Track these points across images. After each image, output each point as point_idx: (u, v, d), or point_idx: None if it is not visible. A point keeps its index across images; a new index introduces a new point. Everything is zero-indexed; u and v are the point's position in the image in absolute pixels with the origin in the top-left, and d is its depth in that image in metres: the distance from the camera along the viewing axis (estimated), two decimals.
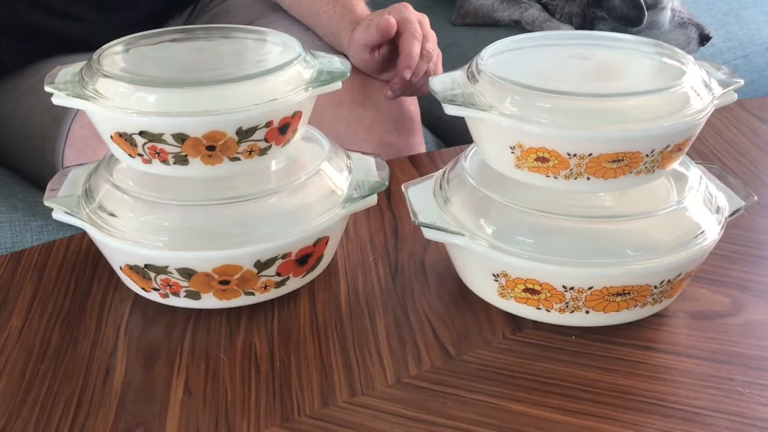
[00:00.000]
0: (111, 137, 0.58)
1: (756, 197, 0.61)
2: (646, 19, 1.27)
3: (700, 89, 0.55)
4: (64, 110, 0.88)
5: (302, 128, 0.62)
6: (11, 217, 0.84)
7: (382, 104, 0.95)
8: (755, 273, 0.66)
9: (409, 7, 0.90)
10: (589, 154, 0.52)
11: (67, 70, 0.61)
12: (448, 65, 0.87)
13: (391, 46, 0.89)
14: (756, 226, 0.72)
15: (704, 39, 1.31)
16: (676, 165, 0.58)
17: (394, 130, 0.96)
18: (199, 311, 0.61)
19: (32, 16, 0.99)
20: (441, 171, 0.64)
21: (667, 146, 0.53)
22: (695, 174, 0.60)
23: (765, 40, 1.49)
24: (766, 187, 0.79)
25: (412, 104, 0.98)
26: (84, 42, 1.02)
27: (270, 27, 1.05)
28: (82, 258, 0.68)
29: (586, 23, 1.34)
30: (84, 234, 0.67)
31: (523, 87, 0.54)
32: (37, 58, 1.01)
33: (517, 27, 1.40)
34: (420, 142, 1.00)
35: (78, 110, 0.78)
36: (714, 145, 0.88)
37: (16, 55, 1.00)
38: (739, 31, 1.47)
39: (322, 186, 0.62)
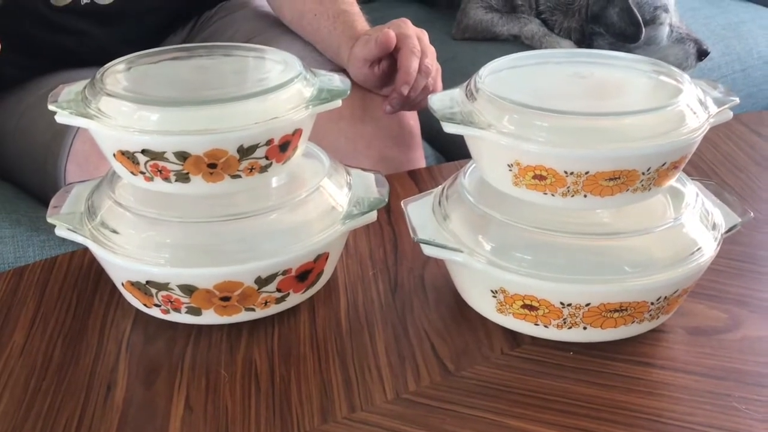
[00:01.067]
0: (113, 155, 0.58)
1: (752, 213, 0.61)
2: (643, 35, 1.28)
3: (695, 108, 0.56)
4: (66, 126, 0.87)
5: (303, 145, 0.62)
6: (14, 232, 0.85)
7: (381, 119, 0.95)
8: (753, 289, 0.66)
9: (408, 23, 0.91)
10: (586, 172, 0.53)
11: (70, 89, 0.62)
12: (448, 79, 0.88)
13: (390, 61, 0.90)
14: (754, 242, 0.73)
15: (702, 54, 1.32)
16: (672, 182, 0.59)
17: (394, 144, 0.97)
18: (200, 327, 0.61)
19: (35, 30, 0.99)
20: (440, 187, 0.65)
21: (663, 164, 0.54)
22: (691, 191, 0.61)
23: (763, 54, 1.50)
24: (764, 202, 0.80)
25: (411, 119, 0.99)
26: (85, 57, 1.03)
27: (270, 43, 1.06)
28: (84, 274, 0.69)
29: (584, 38, 1.35)
30: (86, 250, 0.67)
31: (520, 106, 0.55)
32: (39, 73, 1.02)
33: (517, 41, 1.40)
34: (420, 156, 1.01)
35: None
36: (711, 161, 0.88)
37: (18, 69, 1.01)
38: (737, 46, 1.47)
39: (322, 203, 0.62)
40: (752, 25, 1.53)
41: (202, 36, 1.14)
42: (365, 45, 0.89)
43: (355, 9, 1.00)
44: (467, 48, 1.41)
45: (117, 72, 0.62)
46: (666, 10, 1.30)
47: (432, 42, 0.93)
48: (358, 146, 0.94)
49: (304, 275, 0.61)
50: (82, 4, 0.98)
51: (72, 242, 0.63)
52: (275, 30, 1.08)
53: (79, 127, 0.89)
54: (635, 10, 1.27)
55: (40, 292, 0.66)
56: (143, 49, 1.14)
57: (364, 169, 0.69)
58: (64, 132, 0.90)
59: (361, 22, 0.98)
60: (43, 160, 0.92)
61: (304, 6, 1.01)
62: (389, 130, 0.96)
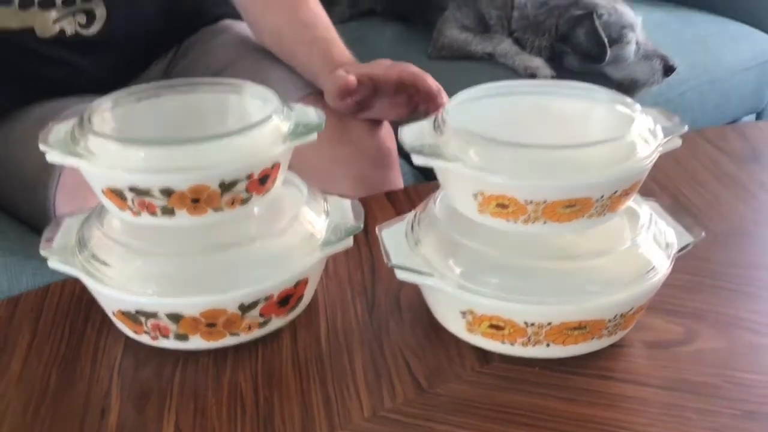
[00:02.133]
0: (102, 191, 0.62)
1: (703, 233, 0.65)
2: (609, 55, 1.32)
3: (646, 137, 0.60)
4: None
5: (281, 177, 0.66)
6: (6, 261, 0.88)
7: (359, 141, 0.99)
8: (708, 302, 0.70)
9: (388, 61, 0.95)
10: (544, 201, 0.57)
11: (59, 128, 0.65)
12: None
13: (367, 93, 0.94)
14: (712, 257, 0.76)
15: (669, 70, 1.37)
16: (630, 203, 0.63)
17: (372, 165, 1.00)
18: (187, 352, 0.65)
19: (22, 62, 1.02)
20: (412, 213, 0.69)
21: (616, 191, 0.58)
22: (646, 211, 0.65)
23: (729, 65, 1.54)
24: (723, 218, 0.84)
25: (388, 140, 1.03)
26: (71, 85, 1.06)
27: (252, 67, 1.10)
28: (75, 302, 0.72)
29: (555, 56, 1.40)
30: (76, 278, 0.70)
31: (483, 139, 0.58)
32: (26, 102, 1.05)
33: (491, 59, 1.45)
34: (397, 175, 1.04)
35: None
36: (675, 177, 0.92)
37: (6, 100, 1.04)
38: (704, 58, 1.52)
39: (301, 231, 0.66)
40: (718, 37, 1.58)
41: (185, 62, 1.17)
42: (334, 82, 0.92)
43: (332, 35, 1.03)
44: (444, 67, 1.44)
45: (103, 111, 0.66)
46: (632, 29, 1.35)
47: (408, 61, 0.97)
48: (337, 167, 0.98)
49: (285, 300, 0.65)
50: (68, 35, 1.01)
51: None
52: (256, 54, 1.12)
53: None
54: (601, 32, 1.32)
55: (34, 321, 0.70)
56: (127, 75, 1.17)
57: (340, 195, 0.72)
58: (53, 163, 0.93)
59: (337, 47, 1.01)
60: (32, 190, 0.95)
61: (281, 33, 1.05)
62: (367, 151, 1.00)
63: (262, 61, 1.10)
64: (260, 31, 1.10)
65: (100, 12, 1.03)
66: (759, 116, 1.69)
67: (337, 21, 1.09)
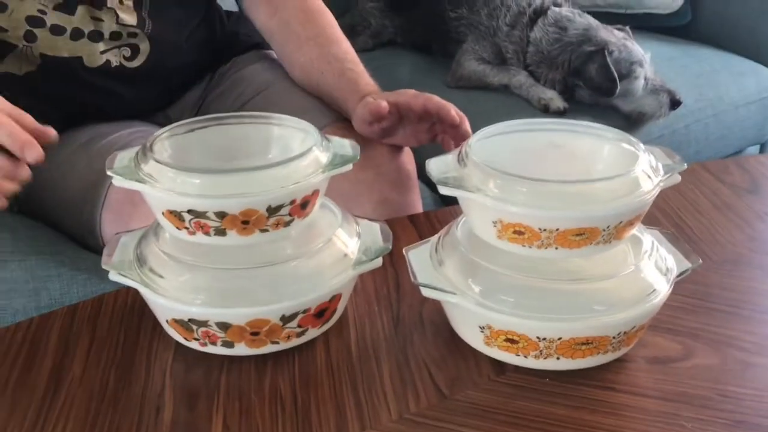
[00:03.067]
0: (162, 213, 0.69)
1: (700, 260, 0.72)
2: (619, 89, 1.40)
3: (649, 173, 0.67)
4: (101, 177, 0.98)
5: (319, 202, 0.73)
6: (59, 271, 0.96)
7: (381, 165, 1.06)
8: (704, 323, 0.77)
9: (412, 91, 1.02)
10: (557, 229, 0.64)
11: (123, 155, 0.72)
12: None
13: (392, 121, 1.01)
14: (708, 281, 0.83)
15: (675, 104, 1.44)
16: (634, 232, 0.70)
17: (393, 188, 1.07)
18: (231, 357, 0.72)
19: (70, 89, 1.10)
20: (436, 236, 0.76)
21: (620, 222, 0.65)
22: (648, 239, 0.72)
23: (733, 99, 1.62)
24: (719, 245, 0.90)
25: (409, 164, 1.10)
26: (112, 111, 1.14)
27: (280, 95, 1.17)
28: (128, 311, 0.79)
29: (567, 89, 1.47)
30: (128, 288, 0.77)
31: (503, 173, 0.65)
32: (72, 127, 1.13)
33: (506, 90, 1.52)
34: (416, 198, 1.11)
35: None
36: (678, 206, 0.98)
37: (60, 124, 1.12)
38: (709, 92, 1.60)
39: (335, 251, 0.73)
40: (724, 72, 1.65)
41: (218, 89, 1.25)
42: (364, 108, 1.00)
43: (360, 68, 1.11)
44: (461, 96, 1.51)
45: (163, 140, 0.73)
46: (641, 65, 1.42)
47: (428, 89, 1.04)
48: (360, 189, 1.04)
49: (321, 313, 0.72)
50: (113, 66, 1.09)
51: (110, 280, 0.72)
52: (285, 83, 1.19)
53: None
54: (612, 68, 1.39)
55: (92, 328, 0.77)
56: (164, 104, 1.25)
57: (370, 219, 0.80)
58: (99, 182, 1.01)
59: (364, 78, 1.09)
60: (79, 209, 1.02)
61: (312, 65, 1.12)
62: (389, 175, 1.07)
63: (291, 90, 1.17)
64: (292, 65, 1.17)
65: (144, 47, 1.10)
66: (762, 148, 1.76)
67: (360, 49, 1.17)
